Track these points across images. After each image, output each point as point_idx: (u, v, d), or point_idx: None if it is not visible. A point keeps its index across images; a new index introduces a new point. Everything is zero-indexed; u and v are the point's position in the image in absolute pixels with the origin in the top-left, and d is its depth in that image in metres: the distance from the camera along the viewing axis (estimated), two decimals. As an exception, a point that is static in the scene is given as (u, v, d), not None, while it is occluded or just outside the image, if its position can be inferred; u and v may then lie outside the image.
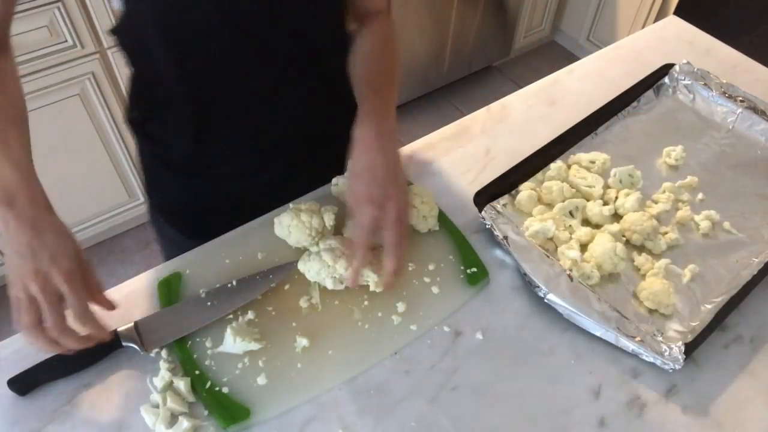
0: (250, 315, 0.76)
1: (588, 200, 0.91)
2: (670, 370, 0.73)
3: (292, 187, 0.90)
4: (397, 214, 0.70)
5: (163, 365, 0.72)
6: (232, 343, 0.72)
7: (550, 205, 0.91)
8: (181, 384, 0.70)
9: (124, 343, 0.72)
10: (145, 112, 0.89)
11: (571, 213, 0.89)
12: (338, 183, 0.88)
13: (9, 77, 0.72)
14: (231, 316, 0.76)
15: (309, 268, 0.78)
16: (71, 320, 0.63)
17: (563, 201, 0.89)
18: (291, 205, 0.85)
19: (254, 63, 0.80)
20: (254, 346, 0.73)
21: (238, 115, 0.86)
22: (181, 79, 0.79)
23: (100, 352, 0.72)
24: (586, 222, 0.90)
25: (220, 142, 0.88)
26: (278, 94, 0.85)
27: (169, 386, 0.71)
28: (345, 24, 0.88)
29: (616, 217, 0.90)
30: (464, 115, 1.08)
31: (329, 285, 0.77)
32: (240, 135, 0.89)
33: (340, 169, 0.89)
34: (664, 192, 0.94)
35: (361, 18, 0.87)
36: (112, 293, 0.80)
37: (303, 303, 0.78)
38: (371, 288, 0.76)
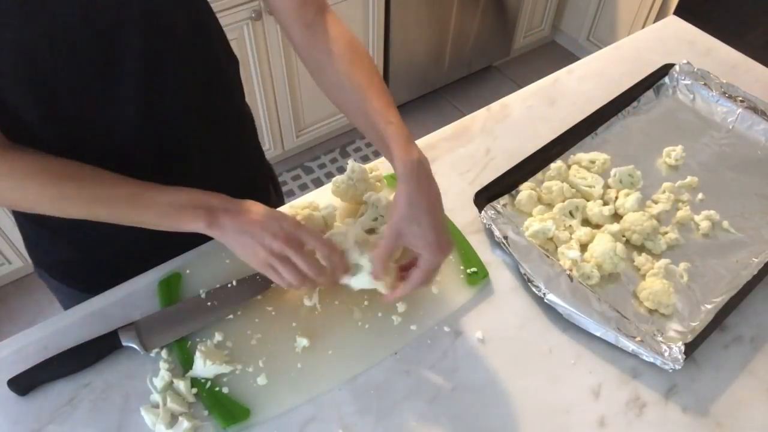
0: (218, 336, 0.75)
1: (588, 200, 0.91)
2: (670, 370, 0.73)
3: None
4: (434, 270, 0.71)
5: (163, 365, 0.72)
6: (203, 366, 0.70)
7: (550, 205, 0.91)
8: (181, 384, 0.70)
9: (124, 343, 0.72)
10: None
11: (571, 213, 0.89)
12: (338, 182, 0.88)
13: None
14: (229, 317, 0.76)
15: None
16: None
17: (563, 201, 0.90)
18: (288, 205, 0.85)
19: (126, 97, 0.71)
20: (225, 368, 0.71)
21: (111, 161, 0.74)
22: (48, 126, 0.68)
23: (100, 351, 0.72)
24: (586, 222, 0.90)
25: None
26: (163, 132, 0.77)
27: (169, 386, 0.71)
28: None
29: (616, 217, 0.90)
30: (464, 115, 1.08)
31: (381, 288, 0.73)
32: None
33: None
34: (664, 192, 0.94)
35: (308, 25, 0.75)
36: (111, 293, 0.80)
37: (306, 302, 0.78)
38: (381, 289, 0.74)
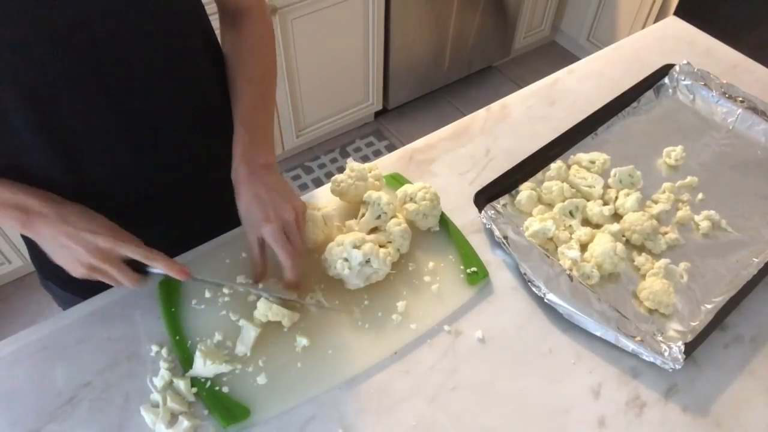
0: (218, 336, 0.75)
1: (588, 200, 0.91)
2: (670, 370, 0.73)
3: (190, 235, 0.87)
4: (295, 222, 0.73)
5: (163, 365, 0.72)
6: (202, 365, 0.70)
7: (550, 205, 0.91)
8: (181, 383, 0.70)
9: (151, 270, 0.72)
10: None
11: (570, 213, 0.89)
12: (337, 182, 0.88)
13: None
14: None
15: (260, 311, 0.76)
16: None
17: (563, 201, 0.89)
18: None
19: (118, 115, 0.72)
20: (225, 368, 0.71)
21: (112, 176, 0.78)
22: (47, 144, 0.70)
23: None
24: (586, 222, 0.90)
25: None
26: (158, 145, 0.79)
27: (169, 386, 0.71)
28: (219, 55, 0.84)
29: (616, 217, 0.90)
30: (464, 115, 1.08)
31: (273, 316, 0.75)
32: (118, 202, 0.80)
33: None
34: (664, 192, 0.94)
35: (232, 16, 0.82)
36: (111, 293, 0.80)
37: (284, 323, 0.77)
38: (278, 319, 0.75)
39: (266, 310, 0.74)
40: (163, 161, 0.81)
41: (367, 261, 0.76)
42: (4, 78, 0.63)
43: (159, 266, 0.70)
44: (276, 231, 0.71)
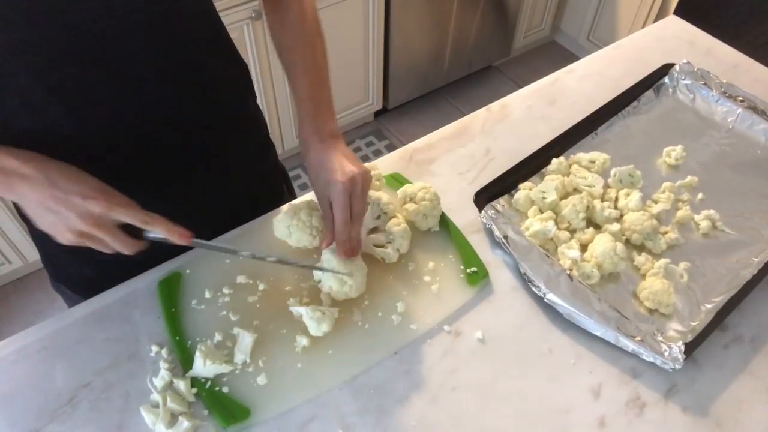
0: (218, 336, 0.75)
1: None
2: (670, 370, 0.73)
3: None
4: (364, 183, 0.72)
5: (163, 365, 0.72)
6: (202, 366, 0.70)
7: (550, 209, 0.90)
8: (181, 384, 0.70)
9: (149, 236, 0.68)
10: None
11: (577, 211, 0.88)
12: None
13: None
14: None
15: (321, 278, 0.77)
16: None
17: (564, 199, 0.89)
18: (286, 205, 0.85)
19: (138, 109, 0.73)
20: (225, 368, 0.71)
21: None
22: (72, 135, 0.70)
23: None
24: (588, 222, 0.89)
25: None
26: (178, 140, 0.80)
27: (169, 386, 0.71)
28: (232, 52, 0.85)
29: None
30: (464, 115, 1.08)
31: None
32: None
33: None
34: (664, 192, 0.94)
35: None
36: (111, 293, 0.80)
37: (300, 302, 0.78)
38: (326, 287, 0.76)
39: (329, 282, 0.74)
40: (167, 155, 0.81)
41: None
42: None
43: (158, 230, 0.66)
44: (342, 191, 0.70)
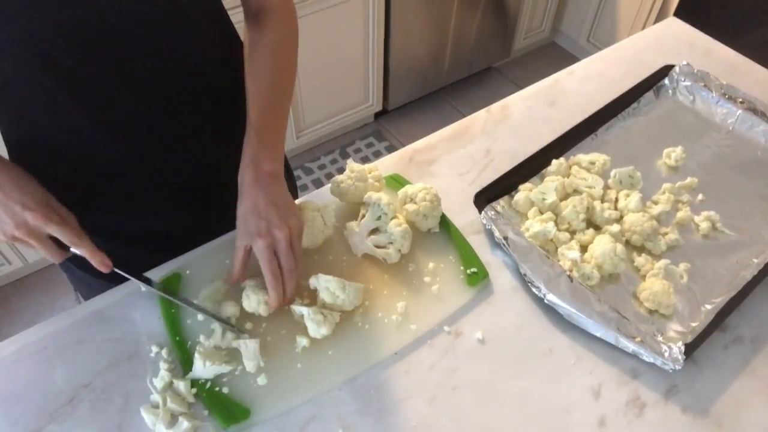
0: (212, 340, 0.74)
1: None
2: (670, 371, 0.73)
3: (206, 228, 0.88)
4: (287, 242, 0.71)
5: (163, 365, 0.72)
6: (202, 367, 0.70)
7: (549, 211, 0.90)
8: (181, 384, 0.70)
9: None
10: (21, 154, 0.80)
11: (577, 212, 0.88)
12: (337, 183, 0.88)
13: None
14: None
15: (247, 303, 0.76)
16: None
17: (564, 199, 0.89)
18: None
19: (138, 104, 0.75)
20: (225, 368, 0.71)
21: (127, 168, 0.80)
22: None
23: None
24: (588, 223, 0.90)
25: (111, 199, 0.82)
26: (171, 136, 0.81)
27: (169, 386, 0.71)
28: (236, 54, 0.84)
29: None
30: (464, 116, 1.08)
31: (263, 312, 0.75)
32: (128, 191, 0.83)
33: None
34: (664, 193, 0.94)
35: (255, 15, 0.81)
36: (111, 293, 0.80)
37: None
38: (262, 312, 0.75)
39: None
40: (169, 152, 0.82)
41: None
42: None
43: (83, 252, 0.69)
44: (266, 248, 0.70)
